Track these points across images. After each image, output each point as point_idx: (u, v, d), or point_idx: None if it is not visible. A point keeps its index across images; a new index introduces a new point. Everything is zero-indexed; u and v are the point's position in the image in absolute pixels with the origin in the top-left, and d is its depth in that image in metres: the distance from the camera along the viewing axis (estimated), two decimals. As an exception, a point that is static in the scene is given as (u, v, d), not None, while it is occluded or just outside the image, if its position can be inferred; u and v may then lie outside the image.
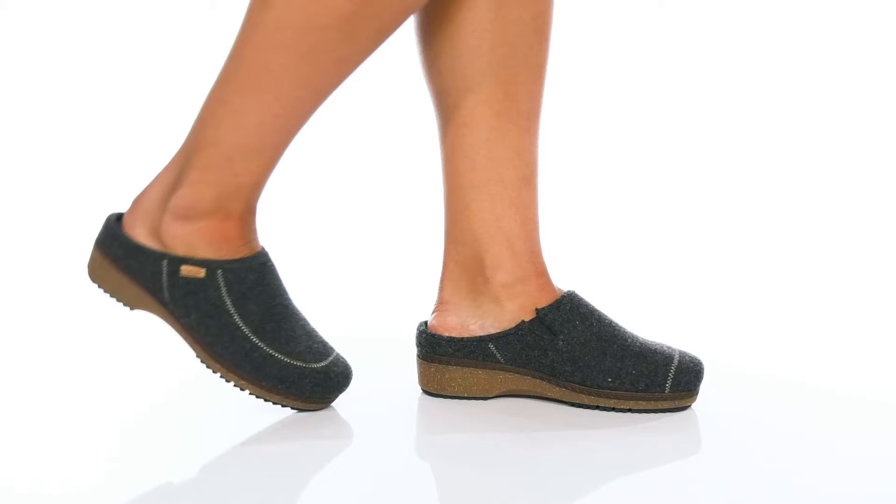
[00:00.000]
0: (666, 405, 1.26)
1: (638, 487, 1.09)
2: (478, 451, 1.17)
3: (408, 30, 1.34)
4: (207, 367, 1.24)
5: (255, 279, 1.24)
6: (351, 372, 1.27)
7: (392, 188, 2.40)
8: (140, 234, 1.26)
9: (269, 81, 1.18)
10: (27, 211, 2.30)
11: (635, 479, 1.11)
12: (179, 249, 1.24)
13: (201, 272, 1.24)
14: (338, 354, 1.27)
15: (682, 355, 1.28)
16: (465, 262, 1.31)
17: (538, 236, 1.32)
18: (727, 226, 2.25)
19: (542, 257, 1.32)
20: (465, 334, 1.30)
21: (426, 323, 1.32)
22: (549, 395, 1.29)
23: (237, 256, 1.24)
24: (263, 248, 1.27)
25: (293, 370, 1.23)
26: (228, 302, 1.24)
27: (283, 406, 1.25)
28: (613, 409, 1.27)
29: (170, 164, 1.25)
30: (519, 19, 1.27)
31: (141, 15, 2.56)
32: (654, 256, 2.10)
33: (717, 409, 1.28)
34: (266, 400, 1.24)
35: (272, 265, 1.26)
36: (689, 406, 1.28)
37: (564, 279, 1.35)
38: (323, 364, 1.25)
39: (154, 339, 1.57)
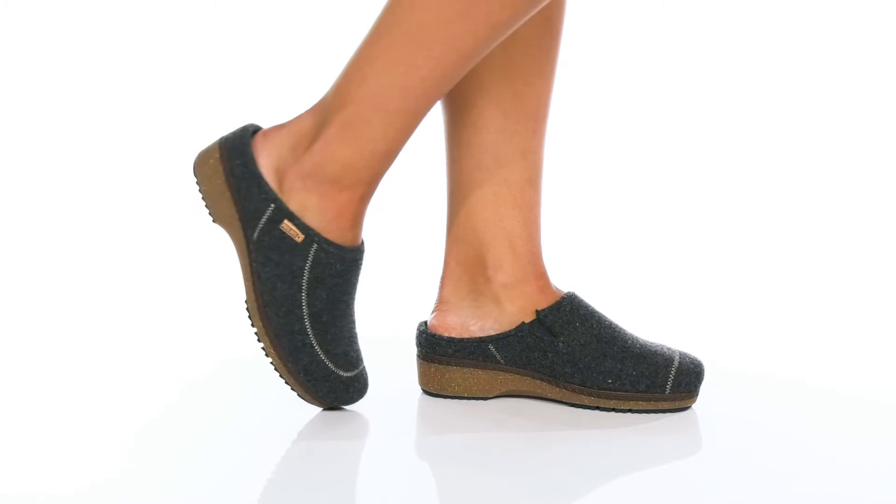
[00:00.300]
0: (666, 406, 1.26)
1: (638, 487, 1.09)
2: (478, 451, 1.17)
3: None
4: (250, 316, 1.23)
5: (339, 270, 1.23)
6: (366, 390, 1.27)
7: (393, 186, 2.40)
8: (265, 164, 1.23)
9: (421, 41, 1.17)
10: (28, 211, 2.30)
11: (635, 480, 1.11)
12: (292, 203, 1.23)
13: (300, 237, 1.22)
14: (363, 369, 1.27)
15: (683, 356, 1.28)
16: (466, 262, 1.31)
17: (539, 238, 1.32)
18: (727, 227, 2.25)
19: (542, 259, 1.32)
20: (465, 335, 1.30)
21: (426, 323, 1.32)
22: (550, 395, 1.29)
23: (338, 241, 1.23)
24: (363, 244, 1.26)
25: (322, 369, 1.23)
26: (305, 278, 1.22)
27: (290, 388, 1.24)
28: (614, 410, 1.27)
29: (308, 111, 1.24)
30: (531, 21, 1.27)
31: (141, 14, 2.56)
32: (654, 258, 2.09)
33: (717, 410, 1.28)
34: (280, 376, 1.24)
35: (360, 264, 1.25)
36: (690, 407, 1.28)
37: (564, 280, 1.35)
38: (348, 374, 1.25)
39: (157, 340, 1.57)
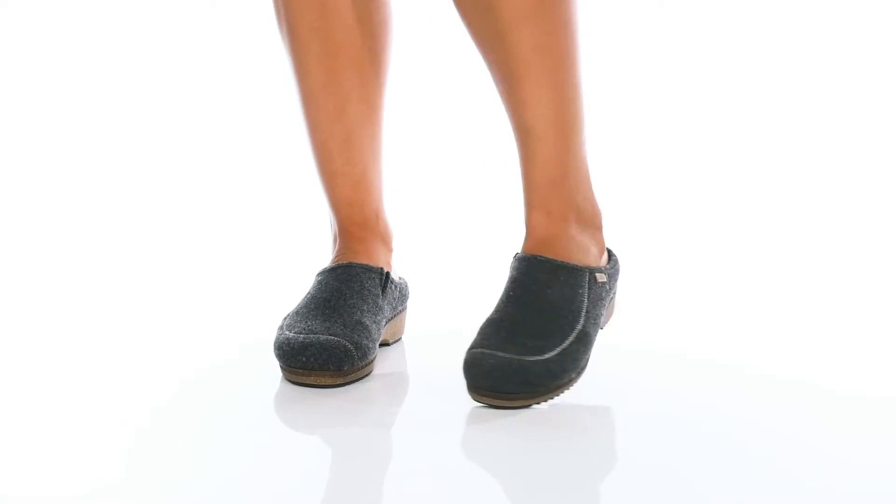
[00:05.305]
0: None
1: (638, 487, 1.09)
2: (478, 451, 1.17)
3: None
4: None
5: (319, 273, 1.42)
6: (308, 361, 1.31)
7: (392, 186, 2.40)
8: None
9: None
10: (27, 211, 2.30)
11: (635, 479, 1.11)
12: None
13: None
14: (322, 337, 1.31)
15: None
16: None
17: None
18: (727, 226, 2.25)
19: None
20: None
21: None
22: None
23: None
24: (323, 271, 1.40)
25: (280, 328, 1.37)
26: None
27: None
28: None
29: None
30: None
31: (140, 14, 2.56)
32: (653, 258, 2.10)
33: (717, 410, 1.28)
34: None
35: (323, 283, 1.38)
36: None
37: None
38: (285, 333, 1.33)
39: (156, 339, 1.57)
